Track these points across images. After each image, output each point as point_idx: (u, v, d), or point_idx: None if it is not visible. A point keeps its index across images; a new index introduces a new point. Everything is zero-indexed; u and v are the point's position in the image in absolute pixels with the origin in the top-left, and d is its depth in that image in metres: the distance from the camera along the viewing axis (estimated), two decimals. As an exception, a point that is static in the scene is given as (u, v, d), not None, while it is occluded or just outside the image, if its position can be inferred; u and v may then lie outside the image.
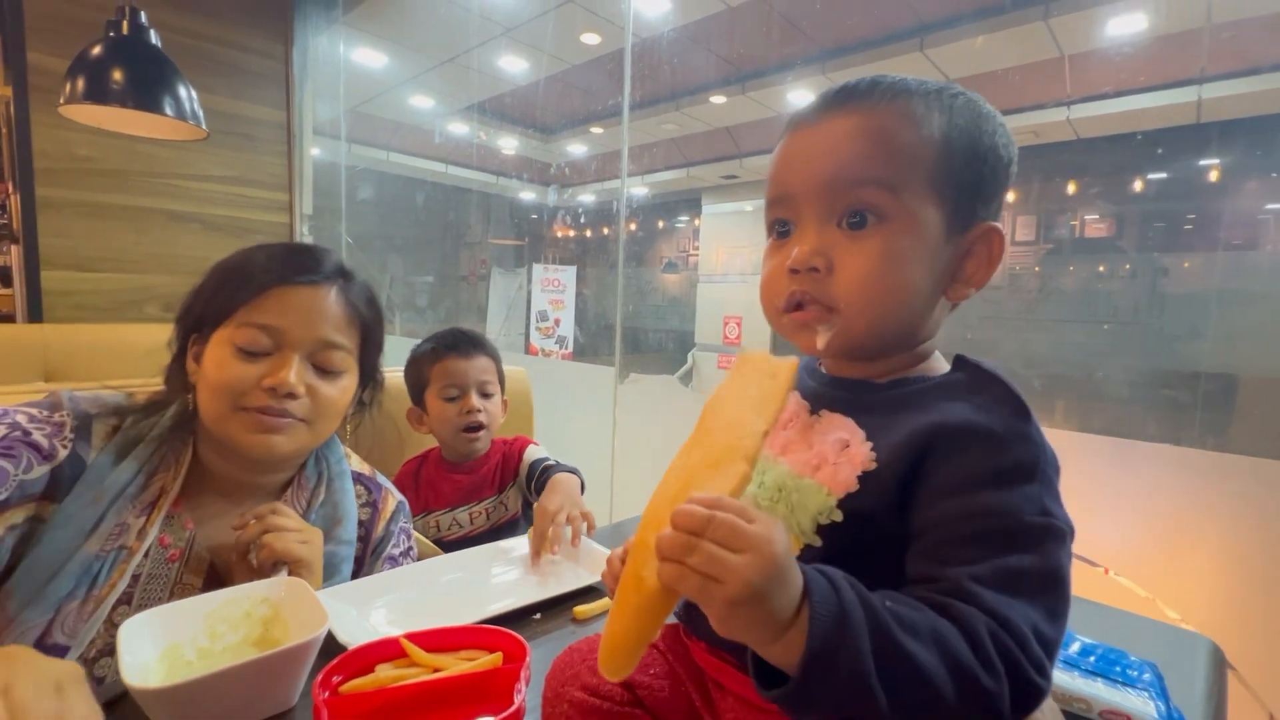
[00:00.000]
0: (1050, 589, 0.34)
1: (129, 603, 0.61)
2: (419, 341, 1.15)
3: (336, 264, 0.73)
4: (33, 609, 0.56)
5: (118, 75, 1.52)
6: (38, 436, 0.60)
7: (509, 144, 6.73)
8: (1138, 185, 4.79)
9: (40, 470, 0.59)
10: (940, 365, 0.45)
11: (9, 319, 2.20)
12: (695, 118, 5.49)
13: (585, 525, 0.87)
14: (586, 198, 8.10)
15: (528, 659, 0.48)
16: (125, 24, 1.57)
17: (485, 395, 1.11)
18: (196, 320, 0.69)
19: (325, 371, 0.69)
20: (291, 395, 0.65)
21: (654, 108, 5.24)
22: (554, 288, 6.08)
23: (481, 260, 8.17)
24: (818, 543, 0.38)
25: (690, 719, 0.44)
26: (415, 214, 7.38)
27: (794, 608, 0.30)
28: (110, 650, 0.59)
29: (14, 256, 2.17)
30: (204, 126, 1.66)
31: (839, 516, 0.38)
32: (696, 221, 8.24)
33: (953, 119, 0.41)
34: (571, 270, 5.88)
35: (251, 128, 2.55)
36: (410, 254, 7.19)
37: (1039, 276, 5.14)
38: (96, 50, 1.52)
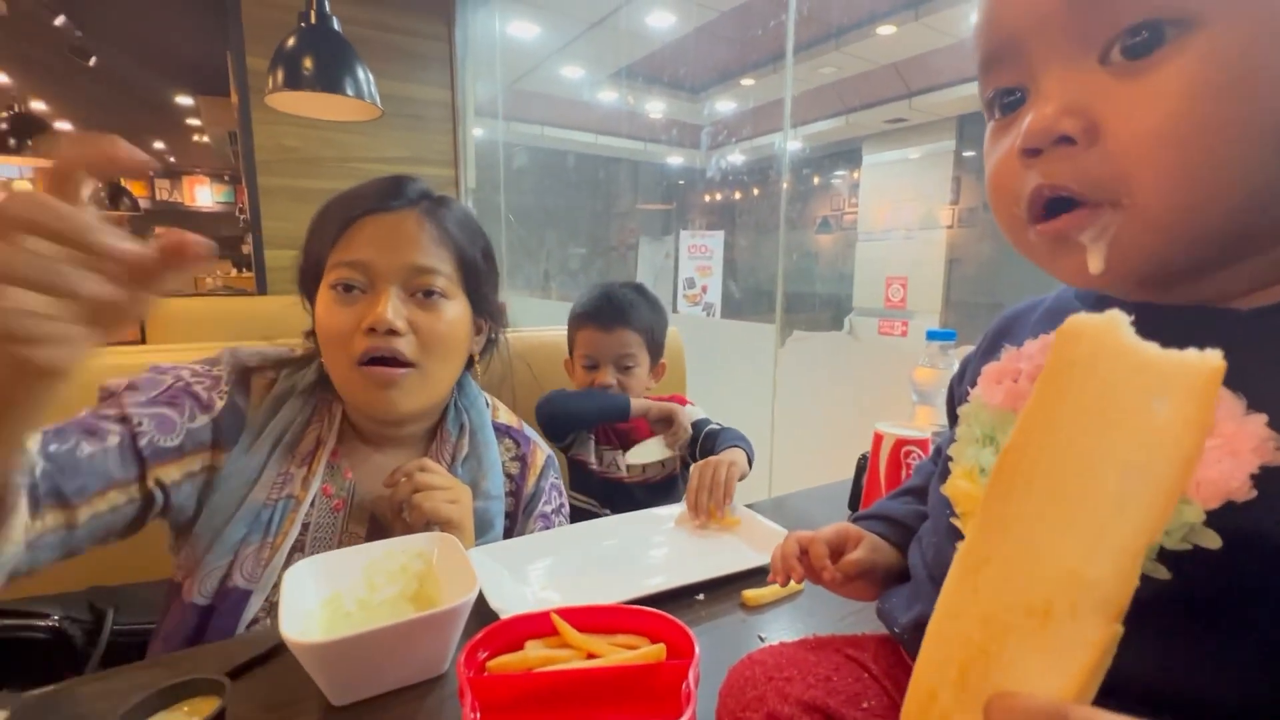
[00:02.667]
0: None
1: (302, 550, 0.63)
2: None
3: (421, 189, 0.69)
4: (214, 553, 0.59)
5: (308, 63, 1.66)
6: (197, 389, 0.62)
7: (656, 107, 6.64)
8: None
9: (202, 420, 0.61)
10: None
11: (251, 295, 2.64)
12: (858, 56, 4.96)
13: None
14: (735, 158, 7.80)
15: (696, 655, 0.40)
16: (313, 14, 1.70)
17: (624, 369, 1.05)
18: (306, 277, 0.68)
19: (426, 300, 0.65)
20: (393, 332, 0.61)
21: (811, 50, 4.81)
22: (701, 254, 5.95)
23: (630, 229, 8.26)
24: (1165, 575, 0.23)
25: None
26: (568, 186, 7.62)
27: None
28: None
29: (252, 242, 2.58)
30: (379, 105, 1.77)
31: (1212, 541, 0.22)
32: (855, 175, 7.58)
33: None
34: (719, 235, 5.71)
35: (421, 108, 2.72)
36: (563, 226, 7.47)
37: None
38: (291, 42, 1.67)
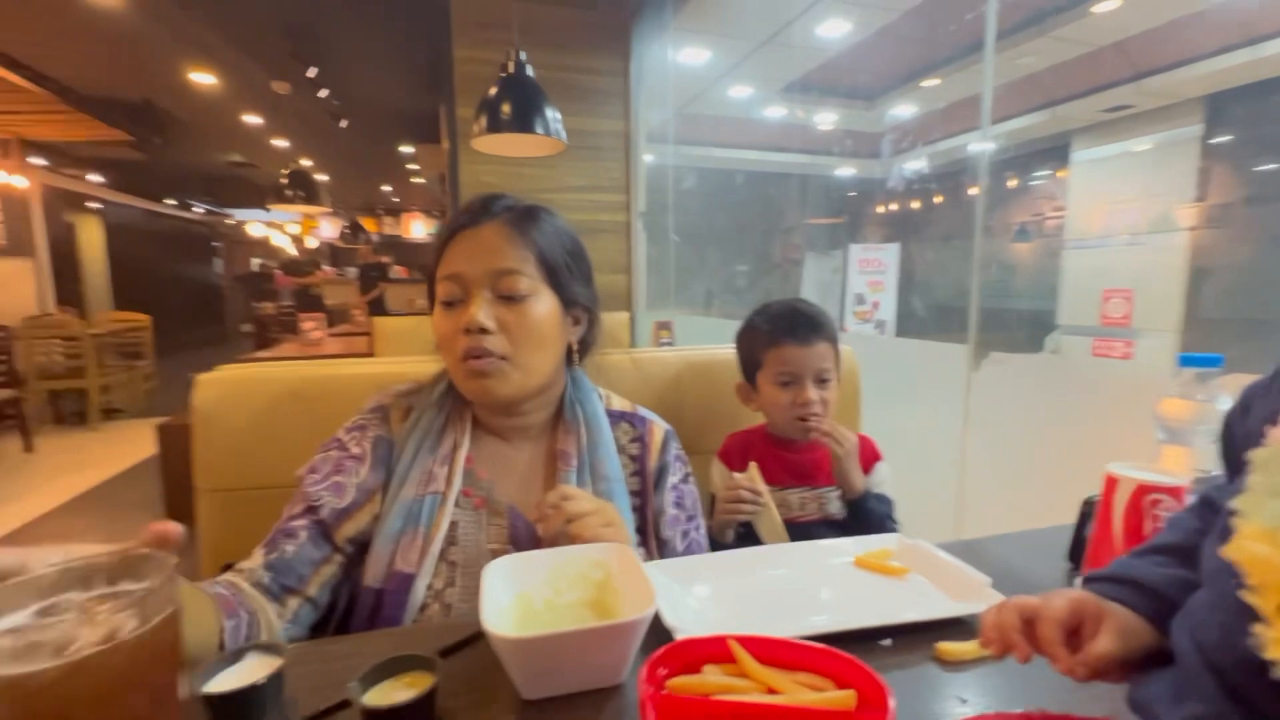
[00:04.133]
0: None
1: (454, 542, 0.71)
2: (751, 312, 1.10)
3: (506, 204, 0.76)
4: (379, 543, 0.70)
5: (506, 108, 1.86)
6: (352, 448, 0.74)
7: (827, 118, 6.42)
8: None
9: (364, 471, 0.73)
10: None
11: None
12: (1069, 39, 4.36)
13: None
14: (914, 165, 7.24)
15: (892, 710, 0.36)
16: (510, 65, 1.91)
17: (821, 382, 1.01)
18: (430, 295, 0.78)
19: (512, 300, 0.71)
20: (483, 330, 0.69)
21: (1008, 39, 4.33)
22: (873, 268, 5.59)
23: (795, 244, 8.04)
24: None
25: None
26: (733, 204, 7.65)
27: None
28: (453, 583, 0.70)
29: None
30: (564, 139, 1.93)
31: None
32: (1061, 173, 6.62)
33: None
34: (893, 248, 5.32)
35: (598, 139, 2.91)
36: (728, 244, 7.49)
37: None
38: (492, 91, 1.88)
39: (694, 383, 1.25)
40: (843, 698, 0.39)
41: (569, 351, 0.80)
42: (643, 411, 0.87)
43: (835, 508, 1.02)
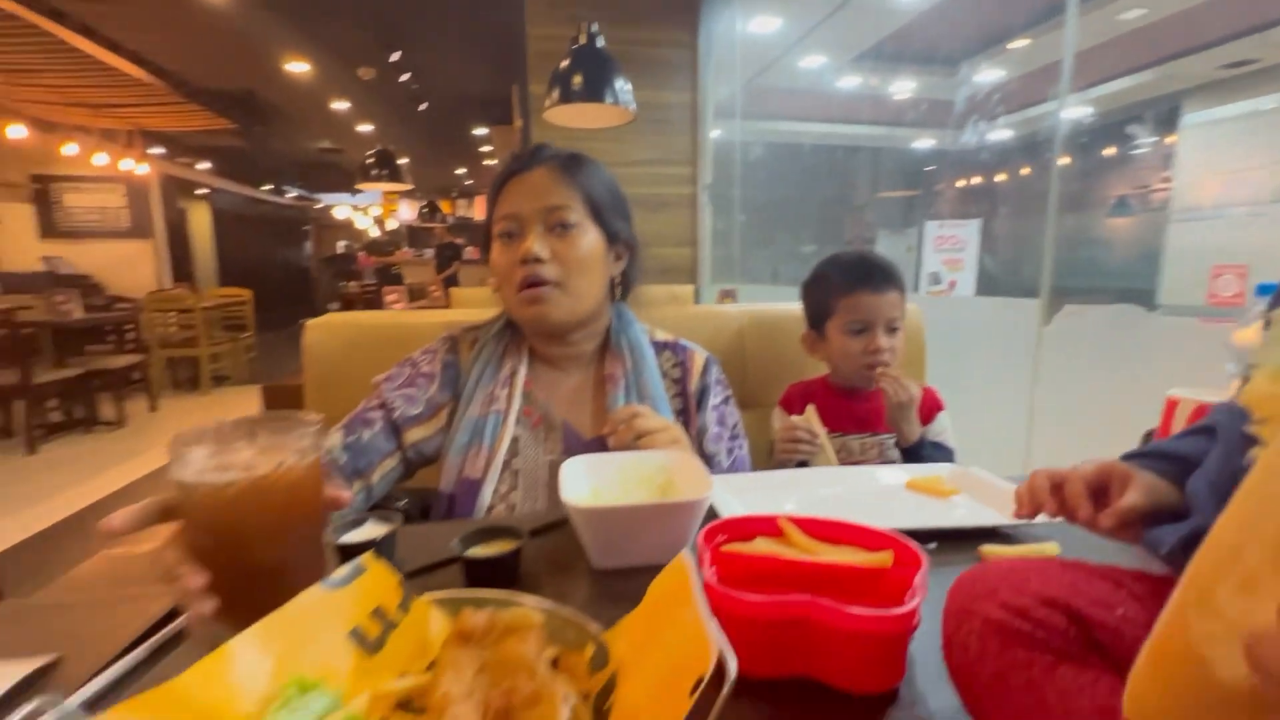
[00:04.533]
0: None
1: (516, 454, 0.81)
2: (820, 262, 1.12)
3: (553, 151, 0.85)
4: (450, 455, 0.81)
5: (577, 79, 1.92)
6: (424, 368, 0.86)
7: (903, 87, 6.14)
8: None
9: (433, 389, 0.85)
10: None
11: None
12: (1179, -11, 3.99)
13: None
14: (998, 135, 6.83)
15: (925, 566, 0.41)
16: (581, 36, 1.97)
17: (891, 330, 1.03)
18: (485, 237, 0.88)
19: (562, 231, 0.80)
20: (537, 259, 0.78)
21: (1109, -8, 4.00)
22: (950, 246, 5.34)
23: (867, 221, 7.77)
24: None
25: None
26: (801, 178, 7.46)
27: None
28: (515, 488, 0.80)
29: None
30: (633, 109, 1.98)
31: None
32: (1168, 139, 6.07)
33: None
34: (973, 224, 5.06)
35: (666, 112, 2.93)
36: (796, 219, 7.33)
37: None
38: (564, 64, 1.95)
39: (756, 337, 1.29)
40: (879, 558, 0.43)
41: (612, 286, 0.88)
42: (684, 341, 0.95)
43: (895, 455, 1.04)
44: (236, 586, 0.41)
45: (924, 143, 7.45)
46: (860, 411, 1.07)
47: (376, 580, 0.42)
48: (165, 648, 0.48)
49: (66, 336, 4.28)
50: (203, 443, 0.42)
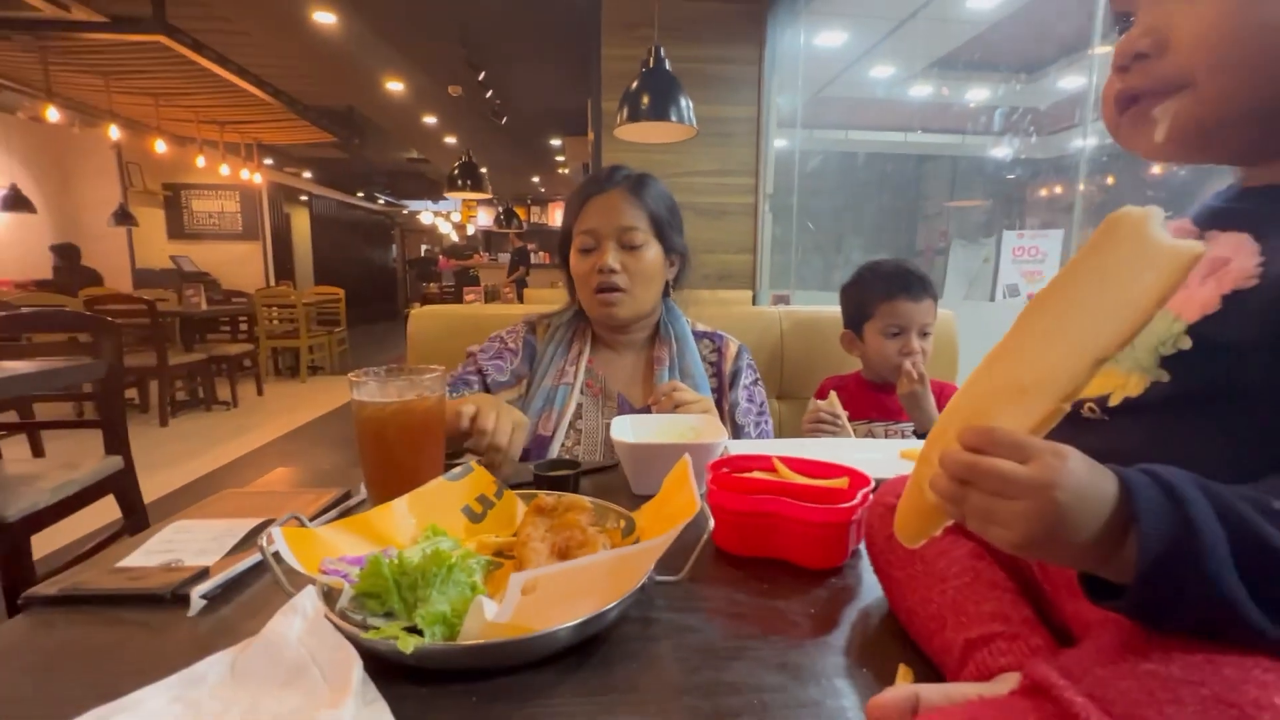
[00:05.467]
0: None
1: (580, 417, 0.99)
2: (861, 268, 1.23)
3: (625, 174, 1.02)
4: (528, 416, 0.96)
5: (645, 99, 2.11)
6: (509, 344, 1.06)
7: (978, 95, 6.02)
8: None
9: (515, 361, 1.05)
10: None
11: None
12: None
13: None
14: (1083, 142, 6.53)
15: (870, 484, 0.55)
16: (651, 60, 2.16)
17: (923, 335, 1.16)
18: (562, 241, 1.06)
19: (631, 249, 0.98)
20: (611, 270, 0.97)
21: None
22: (1030, 257, 5.16)
23: (940, 232, 7.58)
24: (1165, 377, 0.33)
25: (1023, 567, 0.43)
26: (868, 188, 7.38)
27: (1112, 534, 0.26)
28: (579, 443, 0.98)
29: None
30: (695, 125, 2.15)
31: (1186, 344, 0.32)
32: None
33: None
34: (1056, 235, 4.88)
35: (729, 126, 3.08)
36: (863, 230, 7.26)
37: None
38: (634, 85, 2.14)
39: (795, 336, 1.43)
40: (838, 482, 0.58)
41: (666, 286, 1.07)
42: (720, 332, 1.13)
43: (916, 442, 1.16)
44: (389, 472, 0.61)
45: (1002, 151, 7.21)
46: (887, 403, 1.20)
47: (480, 477, 0.61)
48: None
49: (192, 326, 4.87)
50: (371, 379, 0.63)
